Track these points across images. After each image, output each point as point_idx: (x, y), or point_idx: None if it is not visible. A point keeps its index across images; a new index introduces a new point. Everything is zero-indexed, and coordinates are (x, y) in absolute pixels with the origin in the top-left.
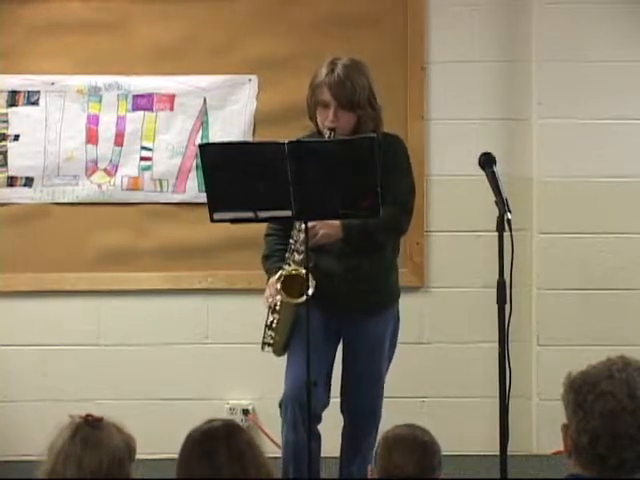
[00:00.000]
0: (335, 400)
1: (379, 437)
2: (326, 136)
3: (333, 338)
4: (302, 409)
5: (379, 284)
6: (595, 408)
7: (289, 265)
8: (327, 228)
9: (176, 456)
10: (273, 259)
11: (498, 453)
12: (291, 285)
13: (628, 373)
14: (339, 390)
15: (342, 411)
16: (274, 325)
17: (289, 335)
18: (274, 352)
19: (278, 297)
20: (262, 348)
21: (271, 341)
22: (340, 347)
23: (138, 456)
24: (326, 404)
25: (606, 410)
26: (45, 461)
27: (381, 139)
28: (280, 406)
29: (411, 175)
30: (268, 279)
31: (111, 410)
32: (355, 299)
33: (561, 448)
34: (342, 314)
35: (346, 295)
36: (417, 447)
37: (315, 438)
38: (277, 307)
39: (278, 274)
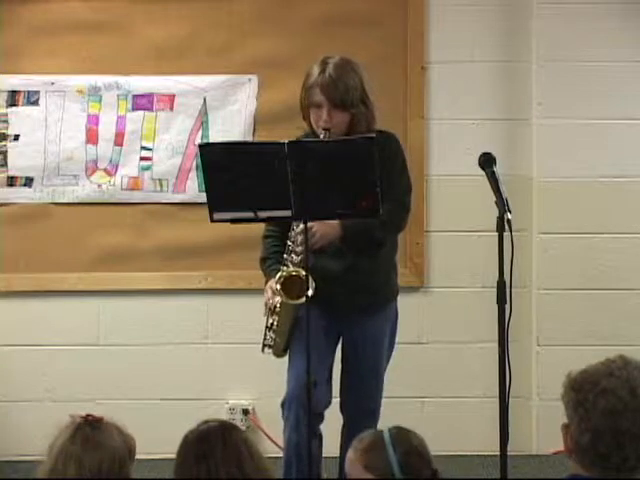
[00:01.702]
0: (334, 400)
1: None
2: (321, 137)
3: (333, 337)
4: (305, 409)
5: (378, 283)
6: (597, 406)
7: (287, 266)
8: (325, 228)
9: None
10: (271, 261)
11: (498, 453)
12: (290, 286)
13: (629, 371)
14: (339, 389)
15: (341, 410)
16: (274, 327)
17: (289, 336)
18: (274, 354)
19: (277, 298)
20: (262, 350)
21: (271, 342)
22: (339, 346)
23: (138, 456)
24: (328, 403)
25: (608, 408)
26: (45, 461)
27: (378, 136)
28: (282, 406)
29: (407, 173)
30: (266, 282)
31: (111, 410)
32: (354, 298)
33: (561, 448)
34: (341, 313)
35: (345, 295)
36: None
37: (317, 438)
38: (277, 308)
39: (277, 275)
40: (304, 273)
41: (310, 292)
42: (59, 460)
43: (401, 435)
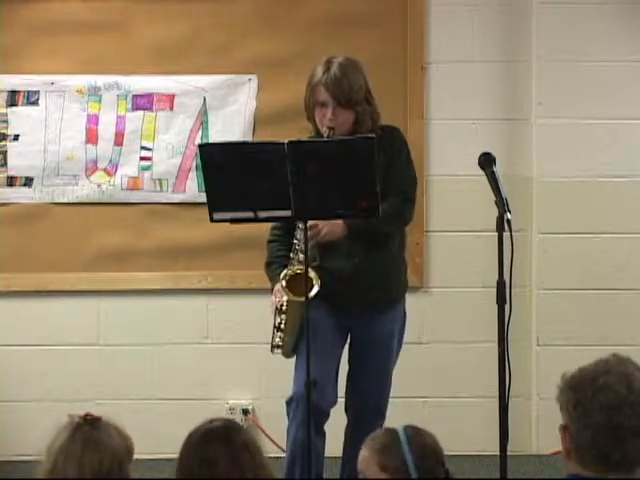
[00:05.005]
0: (338, 400)
1: None
2: (325, 135)
3: (342, 336)
4: (313, 407)
5: (388, 281)
6: (595, 403)
7: (294, 265)
8: (331, 224)
9: (176, 456)
10: (276, 265)
11: (498, 453)
12: (297, 284)
13: (625, 367)
14: (344, 389)
15: (346, 409)
16: (282, 326)
17: (298, 335)
18: (283, 354)
19: (285, 297)
20: (272, 350)
21: (280, 343)
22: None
23: (138, 456)
24: (335, 401)
25: (606, 404)
26: (44, 461)
27: (380, 133)
28: (288, 404)
29: (412, 165)
30: (272, 286)
31: (111, 410)
32: (365, 296)
33: (560, 448)
34: (352, 312)
35: (356, 294)
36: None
37: (321, 436)
38: (284, 308)
39: (283, 273)
40: (309, 271)
41: (314, 290)
42: (59, 460)
43: (416, 434)
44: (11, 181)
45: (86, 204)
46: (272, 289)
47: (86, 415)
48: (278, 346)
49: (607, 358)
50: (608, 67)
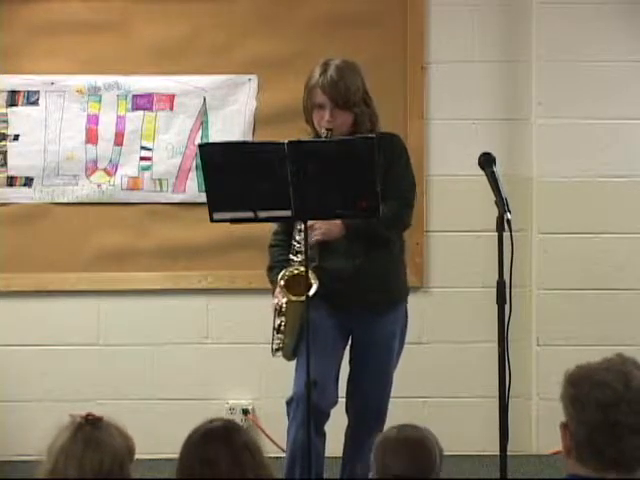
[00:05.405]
0: (339, 400)
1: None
2: (323, 136)
3: (343, 337)
4: (313, 408)
5: (389, 283)
6: (591, 398)
7: (292, 266)
8: (328, 224)
9: (176, 456)
10: (277, 270)
11: (498, 453)
12: (295, 285)
13: (625, 366)
14: (345, 390)
15: (347, 410)
16: (282, 328)
17: (298, 337)
18: (284, 356)
19: (284, 299)
20: (273, 354)
21: (281, 345)
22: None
23: (138, 456)
24: (335, 402)
25: (603, 400)
26: (45, 461)
27: (379, 137)
28: (288, 404)
29: (410, 170)
30: (273, 290)
31: (111, 410)
32: (365, 298)
33: (561, 448)
34: (352, 313)
35: (356, 295)
36: (404, 446)
37: (321, 437)
38: (283, 309)
39: (280, 274)
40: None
41: (313, 290)
42: (60, 460)
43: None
44: (11, 181)
45: (86, 204)
46: (273, 293)
47: (88, 415)
48: (278, 349)
49: (611, 357)
50: (608, 67)
